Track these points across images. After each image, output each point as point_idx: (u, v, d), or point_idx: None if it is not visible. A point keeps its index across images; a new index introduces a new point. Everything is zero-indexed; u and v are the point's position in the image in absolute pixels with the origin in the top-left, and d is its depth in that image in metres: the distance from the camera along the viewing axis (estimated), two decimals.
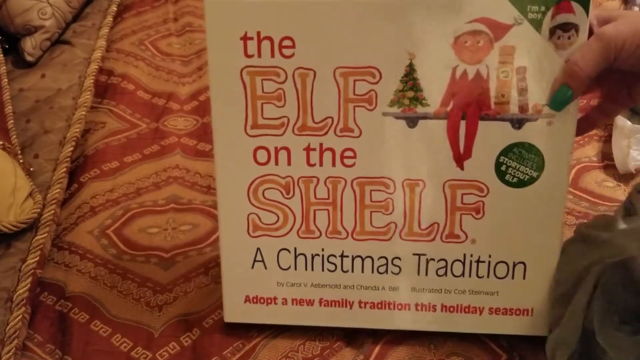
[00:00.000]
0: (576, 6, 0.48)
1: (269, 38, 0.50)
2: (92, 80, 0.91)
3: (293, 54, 0.51)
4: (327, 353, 0.57)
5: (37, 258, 0.64)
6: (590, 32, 0.49)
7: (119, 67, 0.96)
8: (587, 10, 0.48)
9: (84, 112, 0.85)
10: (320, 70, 0.51)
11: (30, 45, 0.95)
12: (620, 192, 0.74)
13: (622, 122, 0.78)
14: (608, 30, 0.47)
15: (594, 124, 0.55)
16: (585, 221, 0.58)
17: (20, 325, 0.58)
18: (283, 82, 0.51)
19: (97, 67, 0.94)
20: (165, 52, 1.01)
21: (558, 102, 0.50)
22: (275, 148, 0.53)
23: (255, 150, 0.53)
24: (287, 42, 0.50)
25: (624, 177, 0.75)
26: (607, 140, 0.80)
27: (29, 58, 0.95)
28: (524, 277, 0.54)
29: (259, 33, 0.50)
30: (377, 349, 0.57)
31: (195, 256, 0.67)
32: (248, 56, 0.51)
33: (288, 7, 0.50)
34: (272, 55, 0.51)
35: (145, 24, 1.08)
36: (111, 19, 1.07)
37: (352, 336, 0.58)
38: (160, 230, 0.70)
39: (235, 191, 0.54)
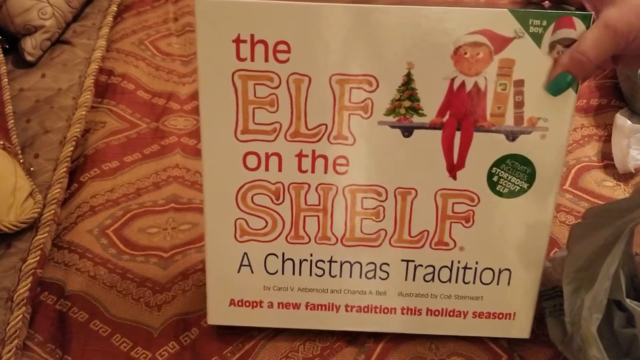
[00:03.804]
0: (577, 21, 0.47)
1: (263, 42, 0.48)
2: (92, 80, 0.91)
3: (288, 59, 0.49)
4: (327, 353, 0.57)
5: (38, 258, 0.64)
6: (582, 7, 0.47)
7: (119, 67, 0.96)
8: (588, 26, 0.47)
9: (84, 112, 0.85)
10: (315, 76, 0.49)
11: (30, 45, 0.95)
12: (620, 192, 0.74)
13: (622, 121, 0.77)
14: (619, 22, 0.44)
15: None
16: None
17: (20, 325, 0.58)
18: (276, 88, 0.50)
19: (97, 66, 0.94)
20: (165, 52, 1.01)
21: (557, 87, 0.48)
22: (266, 154, 0.52)
23: (245, 156, 0.52)
24: (282, 47, 0.48)
25: (624, 177, 0.75)
26: (607, 139, 0.79)
27: (29, 58, 0.95)
28: (508, 283, 0.55)
29: (252, 36, 0.48)
30: (378, 348, 0.57)
31: (194, 254, 0.66)
32: (240, 59, 0.49)
33: (284, 10, 0.48)
34: (266, 60, 0.49)
35: (145, 23, 1.08)
36: (111, 19, 1.06)
37: (353, 336, 0.58)
38: (160, 230, 0.70)
39: (223, 196, 0.53)
